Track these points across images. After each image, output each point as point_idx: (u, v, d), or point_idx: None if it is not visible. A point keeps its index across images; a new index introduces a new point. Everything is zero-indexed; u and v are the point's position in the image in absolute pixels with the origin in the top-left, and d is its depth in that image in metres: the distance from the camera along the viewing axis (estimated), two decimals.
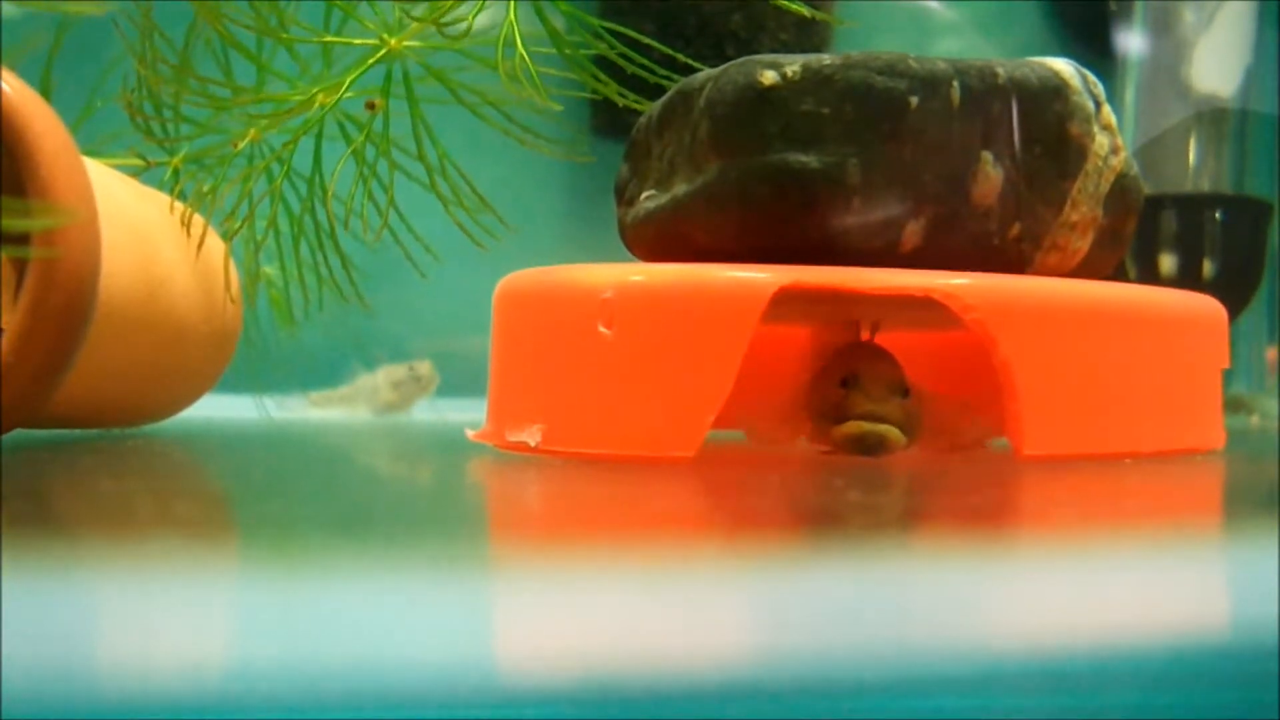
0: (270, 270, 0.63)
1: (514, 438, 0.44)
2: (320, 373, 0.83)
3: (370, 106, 0.53)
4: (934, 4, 1.14)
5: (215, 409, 0.67)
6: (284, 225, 0.57)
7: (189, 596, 0.23)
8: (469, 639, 0.23)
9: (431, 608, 0.23)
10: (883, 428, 0.42)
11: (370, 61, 0.53)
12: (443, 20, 0.52)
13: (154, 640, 0.22)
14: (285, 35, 0.54)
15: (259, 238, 0.56)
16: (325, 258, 0.56)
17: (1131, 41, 0.94)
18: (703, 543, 0.30)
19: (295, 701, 0.21)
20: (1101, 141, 0.47)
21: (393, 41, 0.53)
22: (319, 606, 0.23)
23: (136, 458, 0.49)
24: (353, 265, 0.58)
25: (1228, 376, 0.53)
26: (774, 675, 0.23)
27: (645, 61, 0.53)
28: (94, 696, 0.21)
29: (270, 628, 0.23)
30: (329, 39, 0.54)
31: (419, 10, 0.53)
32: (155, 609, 0.23)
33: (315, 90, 0.54)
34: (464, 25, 0.51)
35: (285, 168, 0.55)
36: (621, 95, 0.53)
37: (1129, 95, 0.93)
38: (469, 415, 0.53)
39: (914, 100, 0.43)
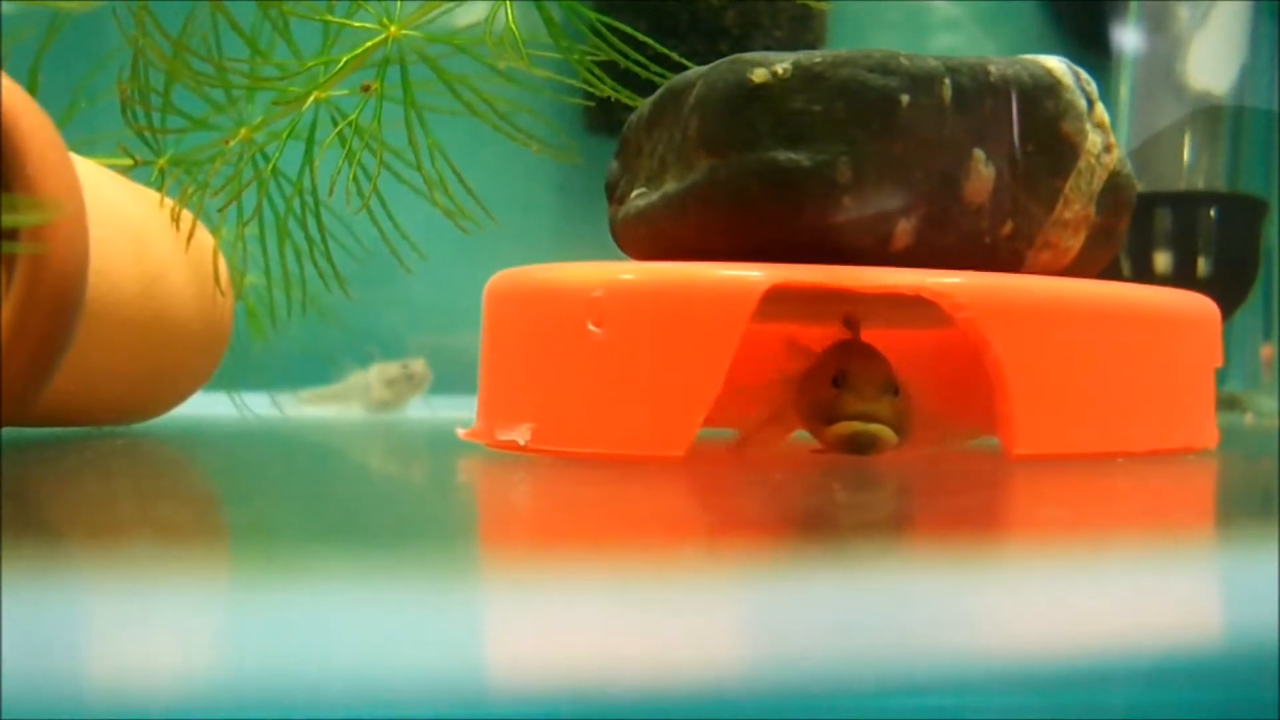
0: (252, 278, 0.63)
1: (504, 436, 0.44)
2: (313, 370, 0.83)
3: (365, 89, 0.53)
4: (930, 0, 1.13)
5: (209, 407, 0.67)
6: (271, 220, 0.57)
7: (174, 602, 0.23)
8: (455, 646, 0.23)
9: (417, 614, 0.23)
10: (874, 427, 0.42)
11: (370, 45, 0.53)
12: (443, 12, 0.52)
13: (137, 647, 0.22)
14: (286, 7, 0.54)
15: (246, 223, 0.56)
16: (313, 251, 0.56)
17: (1127, 39, 0.94)
18: (693, 546, 0.30)
19: (282, 707, 0.21)
20: (1094, 139, 0.46)
21: (392, 28, 0.53)
22: (304, 612, 0.23)
23: (127, 457, 0.49)
24: (345, 260, 0.58)
25: (1222, 374, 0.52)
26: (765, 681, 0.23)
27: (639, 58, 0.53)
28: (77, 702, 0.21)
29: (254, 633, 0.22)
30: (329, 19, 0.54)
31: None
32: (139, 615, 0.23)
33: (313, 85, 0.54)
34: (464, 15, 0.51)
35: (273, 162, 0.55)
36: (614, 90, 0.53)
37: (1124, 92, 0.93)
38: (462, 413, 0.53)
39: (905, 98, 0.43)
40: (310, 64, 0.54)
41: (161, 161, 0.58)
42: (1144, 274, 0.88)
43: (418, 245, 0.57)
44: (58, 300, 0.43)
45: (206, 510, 0.37)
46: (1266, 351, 0.96)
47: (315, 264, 0.56)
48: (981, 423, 0.46)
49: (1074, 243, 0.47)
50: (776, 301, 0.41)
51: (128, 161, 0.59)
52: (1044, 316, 0.43)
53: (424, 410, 0.82)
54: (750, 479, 0.44)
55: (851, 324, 0.46)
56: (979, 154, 0.45)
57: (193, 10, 0.55)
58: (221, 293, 0.59)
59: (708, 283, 0.41)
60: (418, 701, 0.21)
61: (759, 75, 0.43)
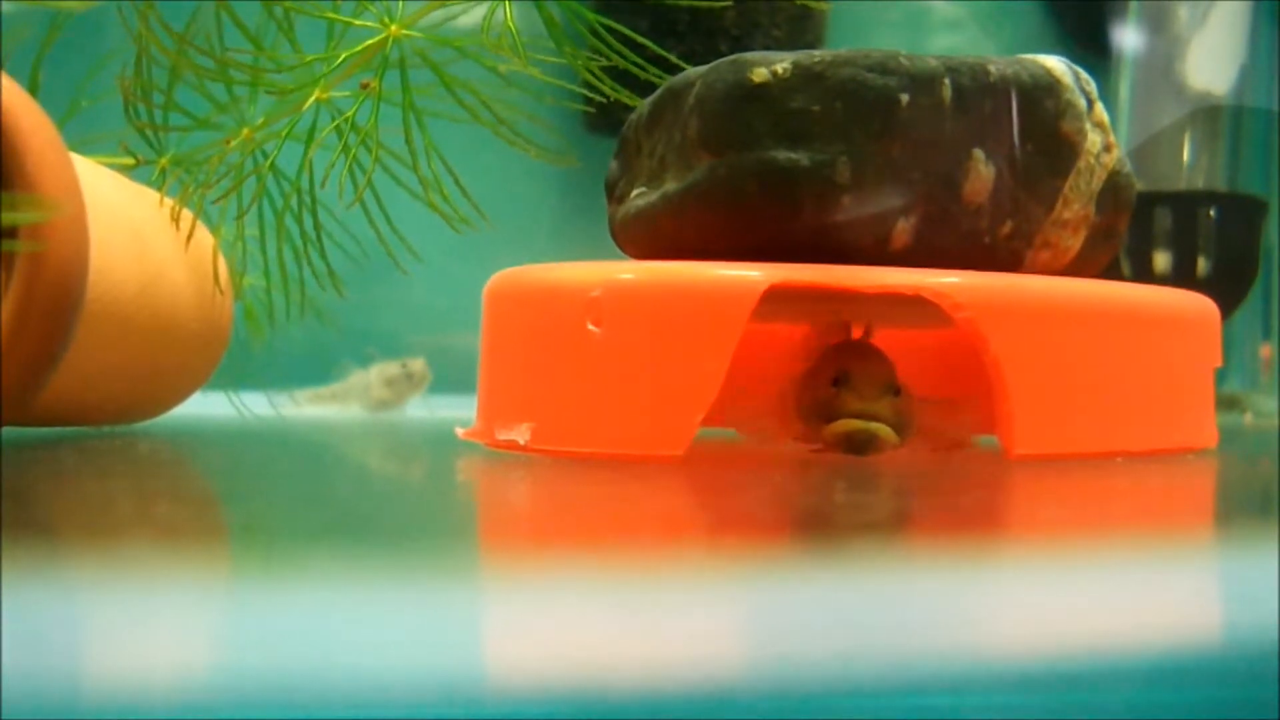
0: (251, 279, 0.63)
1: (503, 436, 0.44)
2: (313, 370, 0.83)
3: (365, 87, 0.53)
4: (930, 0, 1.13)
5: (208, 406, 0.67)
6: (270, 218, 0.57)
7: (174, 602, 0.23)
8: (455, 646, 0.23)
9: (417, 614, 0.23)
10: (874, 426, 0.42)
11: (369, 44, 0.53)
12: (447, 19, 0.52)
13: (137, 647, 0.22)
14: (290, 4, 0.54)
15: (243, 221, 0.56)
16: (309, 251, 0.56)
17: (1127, 38, 0.94)
18: (693, 546, 0.30)
19: (282, 707, 0.21)
20: (1094, 139, 0.46)
21: (393, 28, 0.53)
22: (304, 611, 0.23)
23: (126, 457, 0.49)
24: (345, 260, 0.58)
25: (1221, 374, 0.52)
26: (765, 681, 0.23)
27: (638, 59, 0.53)
28: (77, 702, 0.21)
29: (253, 633, 0.22)
30: (331, 16, 0.54)
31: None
32: (139, 615, 0.22)
33: (313, 82, 0.54)
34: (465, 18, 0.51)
35: (271, 159, 0.55)
36: (614, 91, 0.53)
37: (1124, 92, 0.93)
38: (462, 413, 0.53)
39: (905, 98, 0.43)
40: (310, 59, 0.54)
41: (163, 161, 0.58)
42: (1144, 274, 0.88)
43: (417, 245, 0.57)
44: (57, 300, 0.43)
45: (206, 510, 0.37)
46: (1266, 351, 0.96)
47: (311, 265, 0.56)
48: (981, 423, 0.46)
49: (1073, 242, 0.47)
50: (776, 301, 0.41)
51: (129, 161, 0.59)
52: (1043, 316, 0.43)
53: (423, 410, 0.82)
54: (750, 479, 0.44)
55: (847, 325, 0.46)
56: (978, 154, 0.45)
57: (197, 9, 0.55)
58: (221, 292, 0.59)
59: (707, 282, 0.41)
60: (418, 701, 0.21)
61: (759, 75, 0.43)
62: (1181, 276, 0.87)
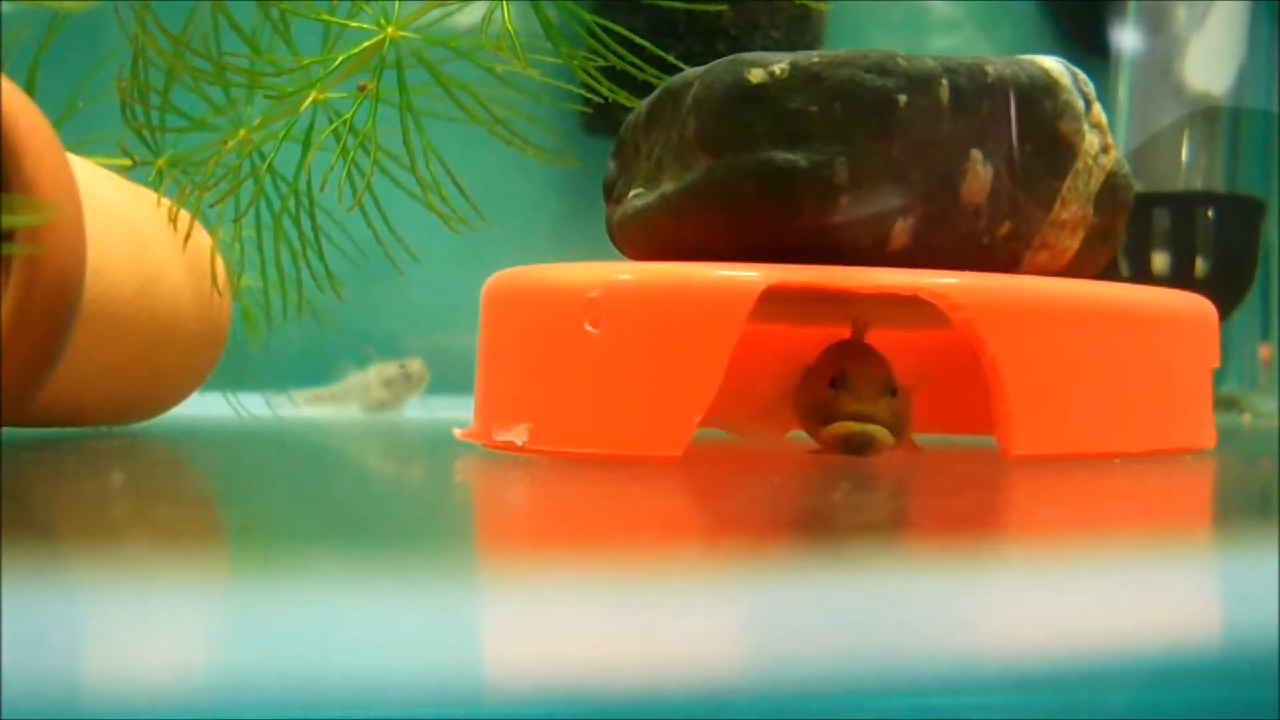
0: (247, 280, 0.63)
1: (501, 437, 0.44)
2: (311, 371, 0.83)
3: (362, 89, 0.53)
4: (928, 1, 1.14)
5: (207, 407, 0.67)
6: (268, 219, 0.57)
7: (173, 602, 0.23)
8: (454, 646, 0.23)
9: (415, 614, 0.23)
10: (871, 428, 0.42)
11: (366, 45, 0.53)
12: (443, 16, 0.52)
13: (136, 647, 0.22)
14: (286, 6, 0.54)
15: (241, 222, 0.56)
16: (307, 252, 0.56)
17: (1125, 39, 0.94)
18: (691, 546, 0.30)
19: (281, 707, 0.21)
20: (1092, 140, 0.46)
21: (389, 29, 0.53)
22: (303, 612, 0.23)
23: (125, 457, 0.49)
24: (343, 261, 0.58)
25: (1220, 375, 0.52)
26: (765, 681, 0.23)
27: (635, 60, 0.53)
28: (77, 702, 0.21)
29: (252, 633, 0.22)
30: (328, 19, 0.54)
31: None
32: (138, 615, 0.22)
33: (310, 84, 0.54)
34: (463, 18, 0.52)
35: (269, 160, 0.55)
36: (612, 91, 0.53)
37: (1122, 93, 0.93)
38: (460, 413, 0.53)
39: (903, 99, 0.43)
40: (307, 62, 0.54)
41: (160, 162, 0.58)
42: (1142, 274, 0.88)
43: (415, 246, 0.57)
44: (55, 301, 0.43)
45: (205, 510, 0.37)
46: (1264, 352, 0.96)
47: (308, 266, 0.56)
48: (978, 423, 0.46)
49: (1071, 243, 0.47)
50: (773, 302, 0.41)
51: (126, 162, 0.59)
52: (1041, 317, 0.43)
53: (421, 411, 0.82)
54: (748, 479, 0.44)
55: (857, 327, 0.46)
56: (976, 154, 0.45)
57: (193, 10, 0.55)
58: (219, 293, 0.58)
59: (705, 283, 0.41)
60: (417, 701, 0.21)
61: (756, 75, 0.43)
62: (1180, 277, 0.87)
